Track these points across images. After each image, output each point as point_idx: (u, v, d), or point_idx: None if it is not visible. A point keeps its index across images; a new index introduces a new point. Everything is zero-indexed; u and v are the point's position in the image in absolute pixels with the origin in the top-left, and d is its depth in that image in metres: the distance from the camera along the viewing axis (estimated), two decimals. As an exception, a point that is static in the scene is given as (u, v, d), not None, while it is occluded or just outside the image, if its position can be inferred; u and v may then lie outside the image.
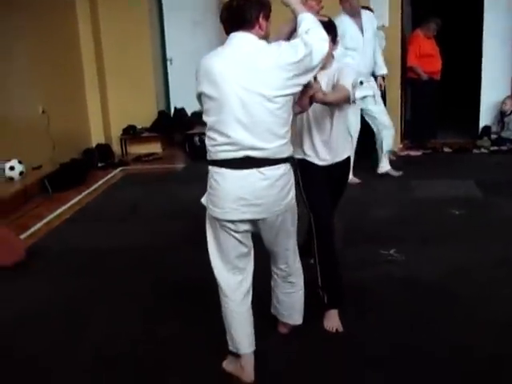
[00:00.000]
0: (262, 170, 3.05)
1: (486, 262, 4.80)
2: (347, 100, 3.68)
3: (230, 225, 3.15)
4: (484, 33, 9.04)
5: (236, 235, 3.20)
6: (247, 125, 2.98)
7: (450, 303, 4.14)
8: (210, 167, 3.12)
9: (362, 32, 6.98)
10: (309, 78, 3.12)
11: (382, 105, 7.43)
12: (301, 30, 3.08)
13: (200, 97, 3.08)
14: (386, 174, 7.54)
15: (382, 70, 7.34)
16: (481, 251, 5.03)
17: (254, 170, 3.04)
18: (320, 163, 3.92)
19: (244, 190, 3.06)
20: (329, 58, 3.65)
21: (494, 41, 9.03)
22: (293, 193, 3.27)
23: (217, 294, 3.36)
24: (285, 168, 3.16)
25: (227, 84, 2.94)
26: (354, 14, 6.92)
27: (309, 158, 3.92)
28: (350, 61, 6.48)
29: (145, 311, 4.25)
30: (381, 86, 7.38)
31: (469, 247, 5.12)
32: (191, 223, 5.17)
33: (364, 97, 7.11)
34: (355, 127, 7.12)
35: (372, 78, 7.24)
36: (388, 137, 7.42)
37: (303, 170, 3.91)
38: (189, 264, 4.83)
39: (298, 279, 3.61)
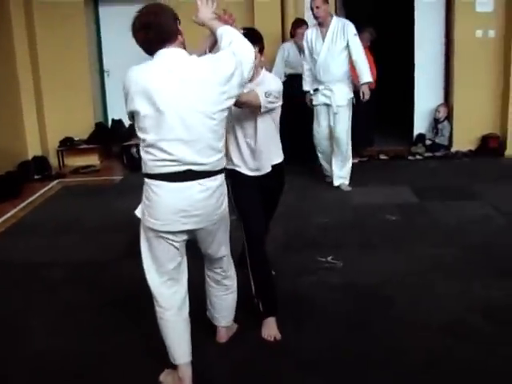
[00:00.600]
0: (201, 181, 3.07)
1: (422, 266, 4.90)
2: (258, 106, 3.69)
3: (169, 235, 3.15)
4: (415, 41, 9.25)
5: (175, 244, 3.20)
6: (189, 142, 2.98)
7: (386, 308, 4.20)
8: (147, 180, 3.09)
9: (323, 40, 7.10)
10: (241, 89, 3.17)
11: (341, 118, 7.25)
12: (224, 43, 3.12)
13: (132, 115, 3.03)
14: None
15: (364, 79, 7.08)
16: (417, 255, 5.13)
17: (194, 183, 3.05)
18: (249, 173, 3.96)
19: (185, 201, 3.06)
20: (256, 68, 3.70)
21: (425, 49, 9.26)
22: (226, 202, 3.31)
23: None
24: (220, 179, 3.20)
25: (166, 102, 2.92)
26: (320, 23, 7.12)
27: (238, 169, 3.96)
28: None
29: (83, 326, 4.19)
30: (363, 93, 7.12)
31: (405, 252, 5.22)
32: (131, 235, 5.10)
33: (317, 104, 7.33)
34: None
35: (335, 87, 7.15)
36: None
37: (234, 180, 3.93)
38: (129, 277, 4.75)
39: (232, 282, 3.68)
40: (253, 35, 3.64)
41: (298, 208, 6.47)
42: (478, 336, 3.79)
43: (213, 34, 3.27)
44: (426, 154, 9.00)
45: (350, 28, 7.02)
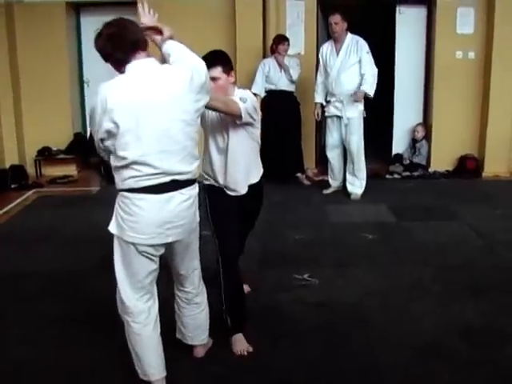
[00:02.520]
0: (182, 191, 3.09)
1: (398, 285, 4.90)
2: (238, 113, 3.60)
3: (150, 249, 3.13)
4: (396, 61, 9.35)
5: (154, 259, 3.18)
6: (174, 152, 3.00)
7: (363, 326, 4.19)
8: (126, 194, 3.04)
9: (337, 55, 7.55)
10: (206, 95, 3.17)
11: (352, 130, 7.61)
12: (173, 58, 3.12)
13: (108, 133, 2.94)
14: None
15: (364, 88, 7.42)
16: (394, 274, 5.13)
17: (175, 193, 3.06)
18: (229, 193, 3.93)
19: (170, 213, 3.07)
20: (226, 88, 3.74)
21: (405, 69, 9.36)
22: (198, 212, 3.33)
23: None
24: (197, 187, 3.24)
25: (148, 114, 2.91)
26: (335, 39, 7.56)
27: (217, 184, 3.93)
28: None
29: (58, 338, 4.13)
30: (356, 94, 7.44)
31: (382, 271, 5.22)
32: (107, 247, 5.06)
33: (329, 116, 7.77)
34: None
35: (347, 100, 7.52)
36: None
37: (211, 195, 3.93)
38: (105, 289, 4.69)
39: (203, 298, 3.67)
40: (221, 57, 3.75)
41: (275, 224, 6.45)
42: (456, 357, 3.78)
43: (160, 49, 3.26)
44: (404, 174, 9.02)
45: (364, 45, 7.47)
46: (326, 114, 7.84)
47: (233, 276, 3.90)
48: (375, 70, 7.46)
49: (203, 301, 3.67)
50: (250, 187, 3.97)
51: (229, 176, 3.87)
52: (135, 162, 2.95)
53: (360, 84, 7.44)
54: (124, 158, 2.95)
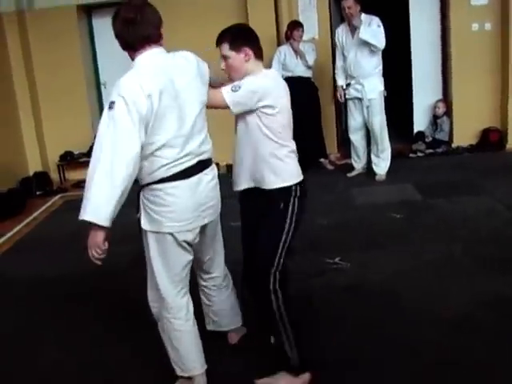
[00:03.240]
0: (206, 171, 3.15)
1: (429, 263, 4.87)
2: (223, 105, 3.20)
3: (190, 236, 3.15)
4: (411, 37, 9.22)
5: (189, 249, 3.21)
6: (201, 131, 3.10)
7: (395, 306, 4.18)
8: (158, 186, 3.03)
9: (352, 37, 7.54)
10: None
11: (374, 111, 7.62)
12: None
13: (147, 121, 2.86)
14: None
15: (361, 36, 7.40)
16: (423, 251, 5.11)
17: (201, 174, 3.12)
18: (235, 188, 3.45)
19: (201, 195, 3.12)
20: (239, 68, 3.26)
21: (421, 45, 9.23)
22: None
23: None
24: (215, 168, 3.31)
25: (186, 97, 3.00)
26: (350, 22, 7.52)
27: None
28: None
29: (88, 339, 4.18)
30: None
31: (412, 249, 5.20)
32: (136, 247, 5.09)
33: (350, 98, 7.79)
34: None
35: (366, 81, 7.53)
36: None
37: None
38: (136, 288, 4.70)
39: (229, 280, 3.72)
40: (228, 32, 3.28)
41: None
42: (489, 329, 3.76)
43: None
44: (427, 151, 8.95)
45: (375, 21, 7.38)
46: (347, 96, 7.83)
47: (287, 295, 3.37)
48: (383, 39, 7.32)
49: (230, 282, 3.71)
50: (260, 193, 3.33)
51: (234, 165, 3.43)
52: (165, 146, 2.95)
53: (378, 66, 7.47)
54: (151, 144, 2.92)
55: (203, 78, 3.15)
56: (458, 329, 3.80)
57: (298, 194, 3.33)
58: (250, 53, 3.24)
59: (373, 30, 7.28)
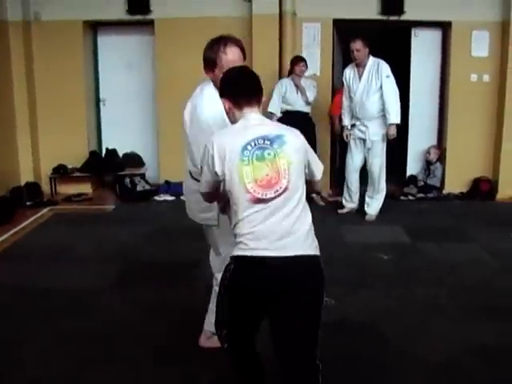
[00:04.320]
0: None
1: (414, 305, 4.92)
2: None
3: None
4: (411, 83, 9.37)
5: None
6: None
7: (380, 346, 4.21)
8: None
9: (359, 79, 7.61)
10: None
11: (375, 152, 7.73)
12: None
13: None
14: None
15: (391, 119, 7.51)
16: (409, 294, 5.14)
17: None
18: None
19: None
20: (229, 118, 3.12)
21: (420, 91, 9.39)
22: None
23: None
24: None
25: None
26: (358, 64, 7.58)
27: None
28: None
29: (75, 354, 4.15)
30: (388, 134, 7.58)
31: (398, 291, 5.23)
32: (121, 265, 5.11)
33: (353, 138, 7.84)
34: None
35: (370, 123, 7.64)
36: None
37: None
38: (121, 307, 4.74)
39: None
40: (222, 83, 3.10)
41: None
42: (473, 376, 3.79)
43: None
44: (418, 195, 9.04)
45: (384, 69, 7.48)
46: (351, 136, 7.89)
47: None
48: (396, 94, 7.49)
49: None
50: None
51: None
52: None
53: (383, 110, 7.52)
54: None
55: None
56: (442, 373, 3.82)
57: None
58: (228, 104, 3.02)
59: (391, 107, 7.43)
